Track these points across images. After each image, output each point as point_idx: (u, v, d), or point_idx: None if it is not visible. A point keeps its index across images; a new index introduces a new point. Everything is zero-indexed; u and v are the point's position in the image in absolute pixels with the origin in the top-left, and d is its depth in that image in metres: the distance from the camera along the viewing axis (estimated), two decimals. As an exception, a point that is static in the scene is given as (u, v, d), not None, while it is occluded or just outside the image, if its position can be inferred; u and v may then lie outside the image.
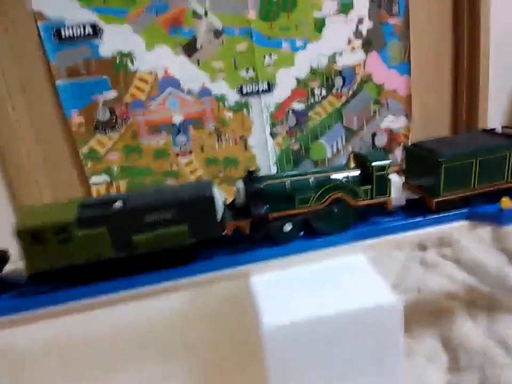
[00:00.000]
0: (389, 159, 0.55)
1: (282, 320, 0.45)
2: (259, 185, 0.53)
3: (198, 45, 1.14)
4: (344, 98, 1.34)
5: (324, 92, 1.31)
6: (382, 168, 0.55)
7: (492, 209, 0.55)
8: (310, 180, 0.55)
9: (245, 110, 1.23)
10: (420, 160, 0.59)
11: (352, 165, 0.58)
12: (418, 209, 0.59)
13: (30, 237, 0.47)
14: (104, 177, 1.14)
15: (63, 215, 0.48)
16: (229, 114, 1.22)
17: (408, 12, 1.33)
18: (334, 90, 1.32)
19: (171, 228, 0.50)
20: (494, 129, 0.62)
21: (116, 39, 1.07)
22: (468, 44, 1.43)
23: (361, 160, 0.57)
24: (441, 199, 0.56)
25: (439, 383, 0.60)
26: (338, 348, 0.46)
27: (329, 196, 0.54)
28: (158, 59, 1.11)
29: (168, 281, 0.52)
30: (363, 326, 0.46)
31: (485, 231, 0.91)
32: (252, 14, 1.16)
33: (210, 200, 0.50)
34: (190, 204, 0.50)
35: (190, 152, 1.21)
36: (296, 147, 1.33)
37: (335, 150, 1.37)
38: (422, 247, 0.92)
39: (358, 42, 1.30)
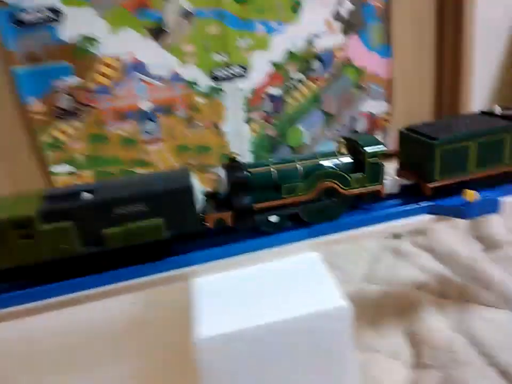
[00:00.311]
0: (382, 144, 0.52)
1: (217, 331, 0.41)
2: (242, 174, 0.49)
3: (167, 28, 1.09)
4: (323, 83, 1.29)
5: (301, 76, 1.26)
6: (375, 154, 0.51)
7: (456, 202, 0.52)
8: (298, 168, 0.51)
9: (218, 96, 1.19)
10: (414, 143, 0.56)
11: (343, 150, 0.54)
12: (413, 196, 0.55)
13: None
14: (67, 167, 1.09)
15: (25, 208, 0.44)
16: (201, 100, 1.17)
17: (390, -7, 1.28)
18: (312, 74, 1.27)
19: (145, 221, 0.46)
20: (492, 110, 0.58)
21: (78, 22, 1.01)
22: (452, 25, 1.38)
23: (352, 145, 0.54)
24: (436, 184, 0.53)
25: (400, 381, 0.57)
26: (282, 358, 0.42)
27: (319, 185, 0.50)
28: (123, 43, 1.06)
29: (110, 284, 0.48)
30: (309, 333, 0.42)
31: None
32: (224, -5, 1.11)
33: (188, 190, 0.46)
34: (166, 195, 0.46)
35: (160, 139, 1.17)
36: (272, 133, 1.28)
37: (313, 135, 1.33)
38: (395, 235, 0.88)
39: (337, 25, 1.25)
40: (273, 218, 0.50)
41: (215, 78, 1.16)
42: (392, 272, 0.78)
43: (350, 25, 1.27)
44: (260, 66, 1.21)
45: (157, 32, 1.08)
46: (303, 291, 0.44)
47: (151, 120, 1.14)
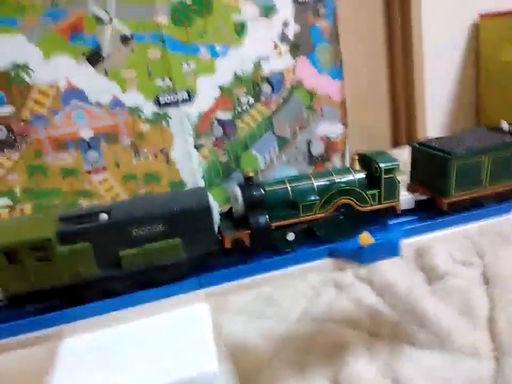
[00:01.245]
0: (397, 160, 0.52)
1: None
2: (259, 192, 0.48)
3: (104, 53, 1.06)
4: (274, 106, 1.27)
5: (251, 100, 1.24)
6: (391, 170, 0.51)
7: (351, 246, 0.49)
8: (315, 185, 0.50)
9: (164, 122, 1.15)
10: (428, 158, 0.55)
11: (357, 167, 0.54)
12: (428, 212, 0.55)
13: (3, 255, 0.41)
14: (5, 201, 1.04)
15: (41, 230, 0.43)
16: (146, 127, 1.14)
17: (336, 14, 1.27)
18: (262, 98, 1.25)
19: (163, 241, 0.45)
20: (499, 126, 0.58)
21: (9, 50, 0.98)
22: (402, 44, 1.38)
23: (366, 162, 0.53)
24: (452, 199, 0.53)
25: None
26: None
27: (336, 202, 0.50)
28: (58, 70, 1.02)
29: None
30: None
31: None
32: (163, 19, 1.08)
33: (207, 209, 0.45)
34: (185, 215, 0.45)
35: (104, 169, 1.12)
36: (225, 159, 1.25)
37: (267, 160, 1.31)
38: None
39: (284, 47, 1.24)
40: (290, 237, 0.49)
41: (160, 104, 1.13)
42: (329, 308, 0.74)
43: (298, 47, 1.25)
44: (207, 91, 1.18)
45: (94, 57, 1.05)
46: (173, 354, 0.40)
47: (93, 149, 1.10)
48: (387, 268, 0.81)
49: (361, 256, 0.48)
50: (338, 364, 0.60)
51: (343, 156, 1.40)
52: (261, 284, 0.49)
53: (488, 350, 0.60)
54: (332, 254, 0.49)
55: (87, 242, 0.43)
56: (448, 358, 0.59)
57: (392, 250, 0.49)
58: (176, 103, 1.15)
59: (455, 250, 0.84)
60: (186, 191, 0.49)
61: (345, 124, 1.37)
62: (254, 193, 0.48)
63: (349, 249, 0.48)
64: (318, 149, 1.36)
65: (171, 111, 1.15)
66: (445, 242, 0.82)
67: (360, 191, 0.50)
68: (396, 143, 1.43)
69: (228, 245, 0.47)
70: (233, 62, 1.19)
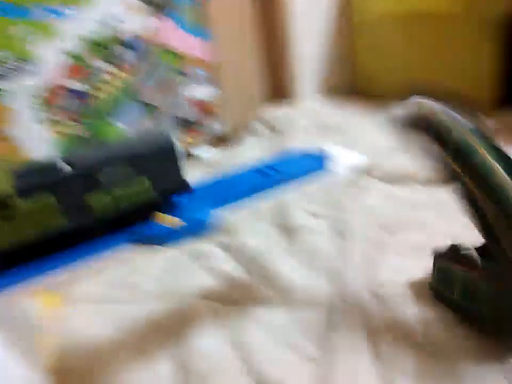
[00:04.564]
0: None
1: None
2: None
3: None
4: (136, 71, 1.16)
5: (108, 66, 1.11)
6: None
7: (153, 229, 0.43)
8: None
9: (-3, 97, 1.00)
10: None
11: None
12: None
13: None
14: None
15: None
16: (-26, 105, 0.98)
17: (199, -33, 1.17)
18: (121, 63, 1.13)
19: (132, 183, 0.44)
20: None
21: None
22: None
23: None
24: None
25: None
26: None
27: None
28: None
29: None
30: None
31: (267, 205, 0.80)
32: (-19, -24, 0.92)
33: (172, 147, 0.46)
34: (151, 155, 0.45)
35: None
36: (83, 133, 1.12)
37: (134, 130, 1.20)
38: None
39: (142, 6, 1.12)
40: None
41: (-12, 76, 0.98)
42: (184, 282, 0.67)
43: (158, 6, 1.14)
44: (50, 58, 1.04)
45: None
46: None
47: None
48: (245, 230, 0.75)
49: (164, 238, 0.42)
50: (185, 341, 0.54)
51: (217, 119, 1.33)
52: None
53: (325, 300, 0.57)
54: (134, 239, 0.43)
55: (50, 194, 0.41)
56: (290, 314, 0.56)
57: (199, 227, 0.44)
58: (12, 74, 1.00)
59: (310, 204, 0.80)
60: (145, 134, 0.51)
61: (217, 86, 1.30)
62: None
63: (151, 233, 0.42)
64: (190, 114, 1.28)
65: (6, 83, 1.00)
66: (302, 197, 0.78)
67: None
68: (273, 101, 1.39)
69: None
70: (81, 24, 1.05)
